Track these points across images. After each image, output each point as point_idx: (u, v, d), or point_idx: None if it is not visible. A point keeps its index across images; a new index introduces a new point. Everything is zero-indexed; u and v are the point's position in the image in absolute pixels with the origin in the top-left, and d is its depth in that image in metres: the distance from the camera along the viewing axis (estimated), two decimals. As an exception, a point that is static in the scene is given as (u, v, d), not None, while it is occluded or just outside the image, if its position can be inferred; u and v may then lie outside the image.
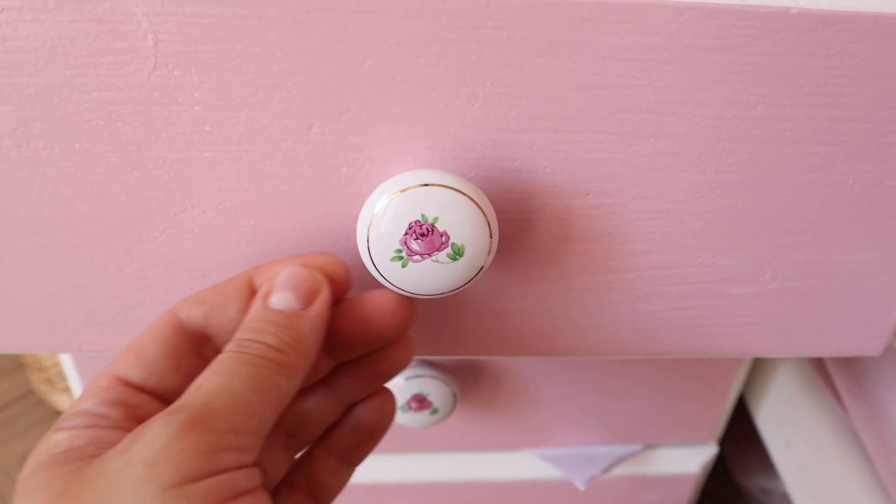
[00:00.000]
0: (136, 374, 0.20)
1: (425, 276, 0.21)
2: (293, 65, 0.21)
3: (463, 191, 0.20)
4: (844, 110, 0.22)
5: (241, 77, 0.21)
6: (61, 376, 0.74)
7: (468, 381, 0.40)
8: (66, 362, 0.38)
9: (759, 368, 0.48)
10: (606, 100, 0.22)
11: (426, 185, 0.20)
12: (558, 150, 0.23)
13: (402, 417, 0.37)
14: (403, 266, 0.21)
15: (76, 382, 0.39)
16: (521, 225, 0.24)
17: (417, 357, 0.35)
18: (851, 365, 0.39)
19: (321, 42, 0.20)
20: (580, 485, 0.43)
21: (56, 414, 0.78)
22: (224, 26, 0.20)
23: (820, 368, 0.43)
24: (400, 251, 0.21)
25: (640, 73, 0.21)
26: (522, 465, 0.45)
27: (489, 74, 0.21)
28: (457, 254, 0.21)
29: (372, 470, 0.45)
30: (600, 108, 0.22)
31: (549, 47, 0.21)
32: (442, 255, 0.21)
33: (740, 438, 0.61)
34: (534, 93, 0.21)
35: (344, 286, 0.21)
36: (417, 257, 0.21)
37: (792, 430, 0.45)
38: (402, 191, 0.20)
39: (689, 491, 0.48)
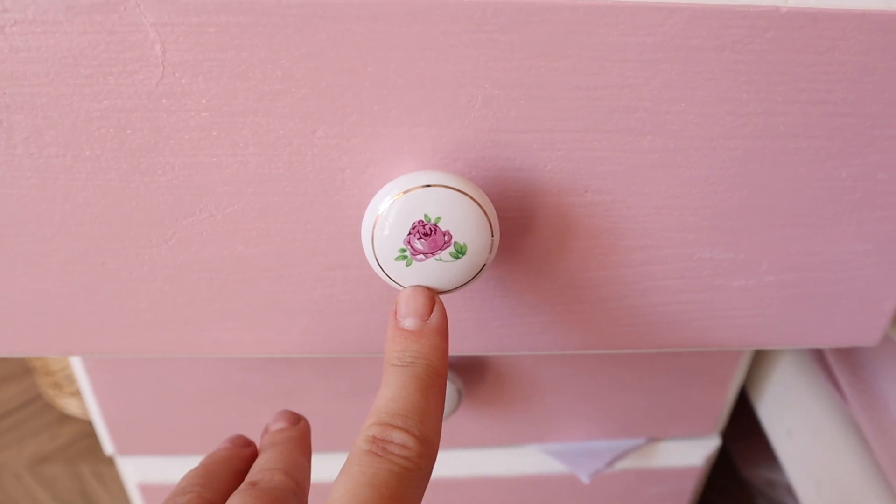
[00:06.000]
0: None
1: (429, 275, 0.22)
2: (297, 71, 0.21)
3: (464, 191, 0.21)
4: (836, 106, 0.23)
5: (247, 83, 0.21)
6: (69, 380, 0.75)
7: (471, 377, 0.40)
8: (77, 365, 0.39)
9: (760, 360, 0.48)
10: (602, 99, 0.22)
11: (428, 185, 0.21)
12: (556, 149, 0.23)
13: (407, 414, 0.38)
14: (408, 265, 0.22)
15: (86, 385, 0.40)
16: (522, 223, 0.25)
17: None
18: (850, 355, 0.39)
19: (323, 48, 0.21)
20: (584, 479, 0.44)
21: (64, 418, 0.79)
22: (229, 34, 0.20)
23: (819, 359, 0.43)
24: (404, 251, 0.21)
25: (635, 73, 0.22)
26: (527, 461, 0.45)
27: (487, 77, 0.21)
28: (459, 252, 0.21)
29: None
30: (597, 107, 0.22)
31: (546, 49, 0.21)
32: (445, 254, 0.21)
33: (744, 432, 0.61)
34: (531, 94, 0.22)
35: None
36: (421, 256, 0.21)
37: (793, 421, 0.45)
38: (404, 192, 0.21)
39: (693, 483, 0.48)
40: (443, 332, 0.22)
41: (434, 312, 0.22)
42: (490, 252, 0.22)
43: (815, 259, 0.27)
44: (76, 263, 0.25)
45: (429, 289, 0.23)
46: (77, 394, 0.76)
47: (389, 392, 0.20)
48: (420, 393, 0.20)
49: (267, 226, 0.24)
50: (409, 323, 0.22)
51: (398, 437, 0.19)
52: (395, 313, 0.22)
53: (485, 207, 0.21)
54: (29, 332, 0.27)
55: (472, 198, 0.21)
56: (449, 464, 0.45)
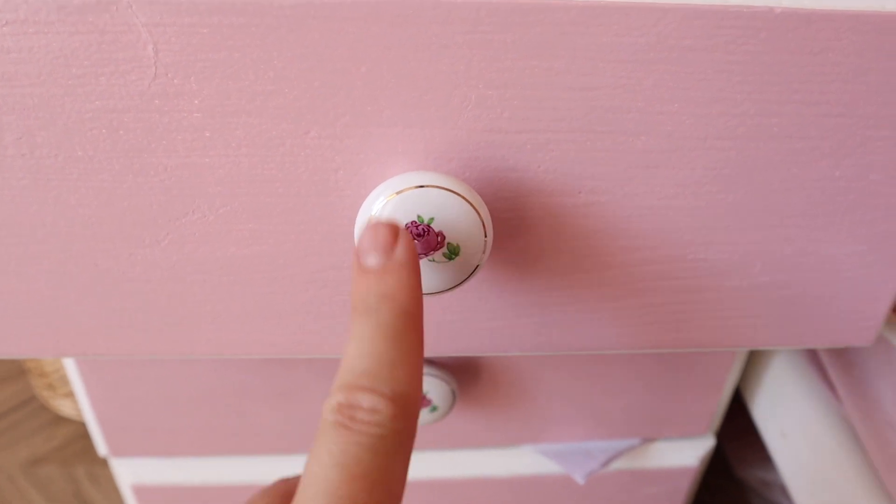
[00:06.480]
0: None
1: (423, 276, 0.22)
2: (289, 71, 0.21)
3: (457, 191, 0.21)
4: (830, 106, 0.23)
5: (239, 84, 0.21)
6: (63, 382, 0.75)
7: (466, 378, 0.40)
8: (70, 367, 0.39)
9: (754, 361, 0.49)
10: (596, 100, 0.22)
11: (421, 186, 0.21)
12: (550, 149, 0.23)
13: (402, 415, 0.38)
14: (401, 266, 0.22)
15: (80, 387, 0.40)
16: (516, 224, 0.25)
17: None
18: (844, 355, 0.39)
19: (316, 49, 0.21)
20: (580, 479, 0.44)
21: (58, 419, 0.79)
22: (221, 35, 0.20)
23: (813, 359, 0.43)
24: (397, 251, 0.21)
25: (628, 74, 0.22)
26: (522, 461, 0.45)
27: (481, 77, 0.21)
28: (452, 253, 0.21)
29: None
30: (590, 108, 0.22)
31: (539, 49, 0.21)
32: (438, 255, 0.21)
33: (739, 432, 0.61)
34: (525, 94, 0.22)
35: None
36: (414, 257, 0.21)
37: (787, 422, 0.45)
38: (398, 192, 0.21)
39: (688, 483, 0.48)
40: (410, 265, 0.19)
41: (399, 245, 0.19)
42: (483, 253, 0.22)
43: (808, 260, 0.27)
44: (69, 265, 0.25)
45: (393, 221, 0.20)
46: (71, 395, 0.75)
47: (354, 347, 0.17)
48: (387, 342, 0.17)
49: (260, 227, 0.24)
50: (371, 260, 0.18)
51: (366, 400, 0.16)
52: (357, 253, 0.19)
53: (478, 208, 0.21)
54: (22, 334, 0.27)
55: (465, 199, 0.21)
56: (443, 465, 0.45)
